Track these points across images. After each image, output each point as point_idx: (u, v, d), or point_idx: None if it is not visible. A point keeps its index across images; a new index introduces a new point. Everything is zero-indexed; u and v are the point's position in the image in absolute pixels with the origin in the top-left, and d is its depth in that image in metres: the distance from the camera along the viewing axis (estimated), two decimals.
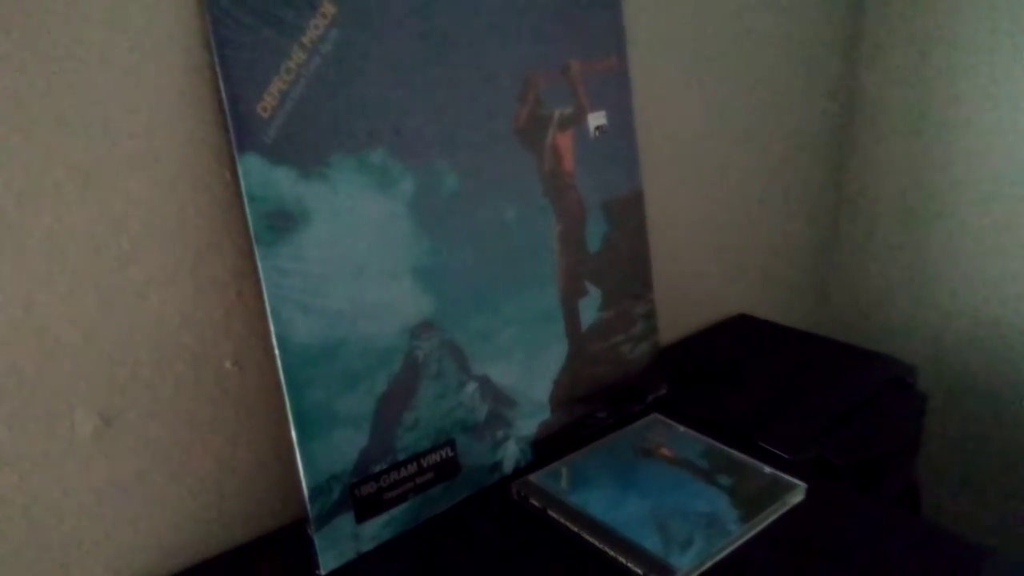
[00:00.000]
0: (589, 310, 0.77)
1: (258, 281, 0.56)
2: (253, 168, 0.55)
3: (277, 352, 0.56)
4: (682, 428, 0.77)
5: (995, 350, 1.19)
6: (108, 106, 0.53)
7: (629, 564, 0.58)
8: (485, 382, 0.68)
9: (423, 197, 0.63)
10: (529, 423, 0.72)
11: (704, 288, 1.09)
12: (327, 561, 0.59)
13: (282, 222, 0.56)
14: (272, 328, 0.56)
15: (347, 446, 0.60)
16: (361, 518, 0.61)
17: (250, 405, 0.64)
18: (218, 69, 0.53)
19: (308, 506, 0.58)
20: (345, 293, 0.59)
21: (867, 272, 1.33)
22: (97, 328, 0.55)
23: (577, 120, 0.74)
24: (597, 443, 0.75)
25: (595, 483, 0.68)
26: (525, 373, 0.71)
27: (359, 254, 0.60)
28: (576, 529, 0.62)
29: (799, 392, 0.87)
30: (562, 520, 0.63)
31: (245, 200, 0.55)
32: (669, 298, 1.02)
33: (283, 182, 0.56)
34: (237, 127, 0.54)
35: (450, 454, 0.66)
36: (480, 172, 0.67)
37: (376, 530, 0.62)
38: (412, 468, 0.64)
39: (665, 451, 0.73)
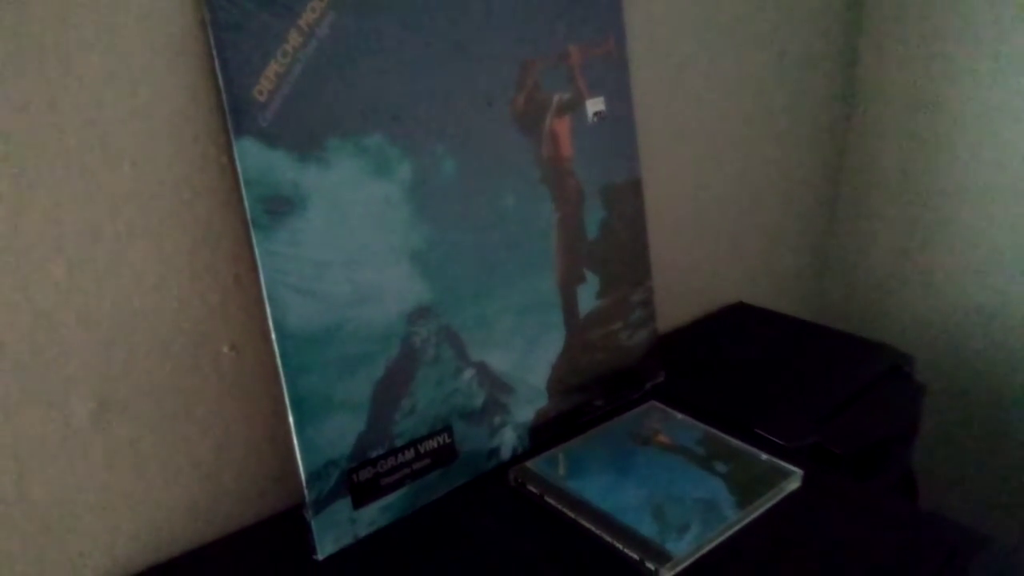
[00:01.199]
0: (587, 297, 0.76)
1: (255, 266, 0.55)
2: (249, 152, 0.54)
3: (274, 337, 0.56)
4: (679, 415, 0.77)
5: (992, 340, 1.20)
6: (103, 89, 0.52)
7: (626, 550, 0.58)
8: (483, 368, 0.68)
9: (421, 182, 0.63)
10: (526, 410, 0.72)
11: (702, 276, 1.09)
12: (325, 546, 0.59)
13: (279, 207, 0.56)
14: (269, 313, 0.56)
15: (344, 431, 0.60)
16: (358, 504, 0.61)
17: (247, 390, 0.64)
18: (214, 52, 0.53)
19: (305, 491, 0.58)
20: (342, 278, 0.59)
21: (865, 261, 1.33)
22: (94, 312, 0.55)
23: (575, 105, 0.74)
24: (594, 430, 0.75)
25: (592, 470, 0.68)
26: (523, 360, 0.71)
27: (356, 239, 0.60)
28: (573, 515, 0.62)
29: (796, 380, 0.87)
30: (559, 506, 0.63)
31: (242, 184, 0.54)
32: (667, 285, 1.02)
33: (280, 166, 0.56)
34: (233, 111, 0.54)
35: (447, 440, 0.66)
36: (478, 157, 0.67)
37: (373, 515, 0.62)
38: (409, 454, 0.64)
39: (662, 438, 0.73)
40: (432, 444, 0.65)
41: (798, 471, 0.67)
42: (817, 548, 0.59)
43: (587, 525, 0.61)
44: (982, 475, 1.25)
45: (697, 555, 0.58)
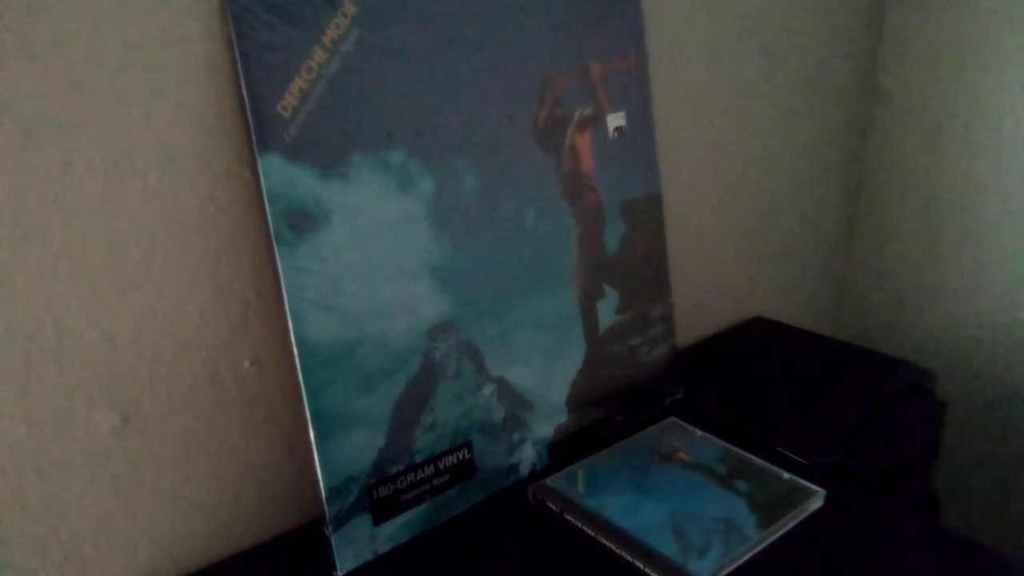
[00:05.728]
0: (607, 312, 0.76)
1: (277, 281, 0.56)
2: (273, 167, 0.55)
3: (296, 352, 0.56)
4: (699, 432, 0.76)
5: (1014, 357, 1.18)
6: (128, 104, 0.52)
7: (647, 569, 0.57)
8: (502, 384, 0.68)
9: (442, 197, 0.63)
10: (546, 425, 0.72)
11: (721, 290, 1.09)
12: (344, 562, 0.59)
13: (302, 222, 0.56)
14: (291, 328, 0.56)
15: (365, 447, 0.59)
16: (378, 520, 0.60)
17: (268, 405, 0.64)
18: (239, 68, 0.53)
19: (325, 507, 0.58)
20: (364, 293, 0.59)
21: (885, 276, 1.32)
22: (116, 327, 0.55)
23: (596, 121, 0.74)
24: (614, 446, 0.74)
25: (612, 487, 0.67)
26: (542, 375, 0.71)
27: (378, 254, 0.60)
28: (593, 533, 0.62)
29: (817, 397, 0.86)
30: (579, 524, 0.63)
31: (265, 199, 0.54)
32: (685, 300, 1.01)
33: (303, 182, 0.56)
34: (258, 126, 0.54)
35: (467, 456, 0.66)
36: (499, 173, 0.66)
37: (393, 531, 0.61)
38: (429, 470, 0.63)
39: (682, 455, 0.72)
40: (452, 460, 0.65)
41: (821, 491, 0.66)
42: (841, 569, 0.58)
43: (607, 543, 0.61)
44: (1005, 494, 1.24)
45: None
